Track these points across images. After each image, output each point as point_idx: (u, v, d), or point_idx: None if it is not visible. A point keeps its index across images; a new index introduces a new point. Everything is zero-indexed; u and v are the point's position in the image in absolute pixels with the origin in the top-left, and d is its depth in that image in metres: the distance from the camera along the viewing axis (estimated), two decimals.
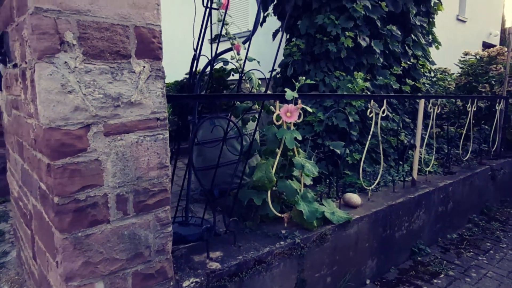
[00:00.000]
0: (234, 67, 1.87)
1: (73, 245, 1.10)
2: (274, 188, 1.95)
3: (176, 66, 4.63)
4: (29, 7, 0.99)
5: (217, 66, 3.26)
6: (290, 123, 1.81)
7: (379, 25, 3.37)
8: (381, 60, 3.49)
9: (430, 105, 2.96)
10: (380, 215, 2.36)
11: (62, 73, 1.02)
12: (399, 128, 3.25)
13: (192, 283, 1.43)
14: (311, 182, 2.24)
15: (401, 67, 3.67)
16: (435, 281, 2.43)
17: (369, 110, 2.38)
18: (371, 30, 3.40)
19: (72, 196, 1.09)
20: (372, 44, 3.32)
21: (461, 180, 3.25)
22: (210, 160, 2.54)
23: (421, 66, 4.01)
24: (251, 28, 8.05)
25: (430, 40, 4.35)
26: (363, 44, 3.24)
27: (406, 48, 3.88)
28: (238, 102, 1.91)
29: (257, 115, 2.03)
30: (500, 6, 13.16)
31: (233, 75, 2.38)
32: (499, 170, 3.90)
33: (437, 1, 4.33)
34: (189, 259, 1.61)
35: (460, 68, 5.26)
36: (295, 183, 1.99)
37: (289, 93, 1.72)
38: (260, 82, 1.93)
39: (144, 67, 1.18)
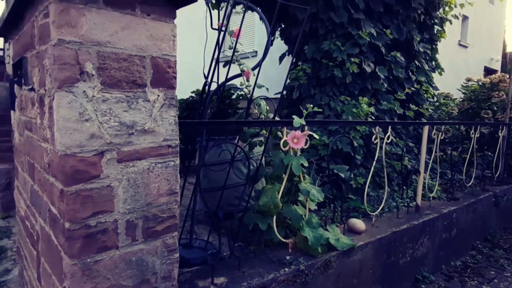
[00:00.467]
0: (243, 93, 1.90)
1: (82, 271, 1.11)
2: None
3: (182, 84, 4.69)
4: (52, 38, 1.03)
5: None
6: (297, 149, 1.83)
7: (383, 51, 3.43)
8: (385, 85, 3.54)
9: (434, 131, 2.99)
10: (384, 241, 2.35)
11: (80, 102, 1.05)
12: (403, 153, 3.27)
13: None
14: (316, 207, 2.24)
15: (405, 93, 3.72)
16: None
17: (374, 136, 2.40)
18: (376, 56, 3.46)
19: (83, 222, 1.10)
20: (377, 70, 3.37)
21: (464, 207, 3.24)
22: (215, 181, 2.55)
23: (424, 92, 4.06)
24: (256, 48, 8.17)
25: (433, 66, 4.42)
26: (368, 70, 3.29)
27: (410, 73, 3.95)
28: (246, 128, 1.93)
29: (263, 139, 2.06)
30: (501, 32, 13.39)
31: (240, 98, 2.42)
32: (503, 197, 3.89)
33: (440, 29, 4.42)
34: (193, 284, 1.60)
35: (463, 93, 5.32)
36: (300, 208, 1.99)
37: (297, 120, 1.75)
38: (268, 108, 1.96)
39: (158, 96, 1.21)
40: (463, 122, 3.62)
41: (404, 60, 3.69)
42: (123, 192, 1.17)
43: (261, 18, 1.78)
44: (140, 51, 1.16)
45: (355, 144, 3.04)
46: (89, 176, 1.09)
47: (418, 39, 3.85)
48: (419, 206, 2.92)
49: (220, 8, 5.24)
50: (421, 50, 4.01)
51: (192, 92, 4.84)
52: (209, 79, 1.67)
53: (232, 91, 3.84)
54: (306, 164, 1.80)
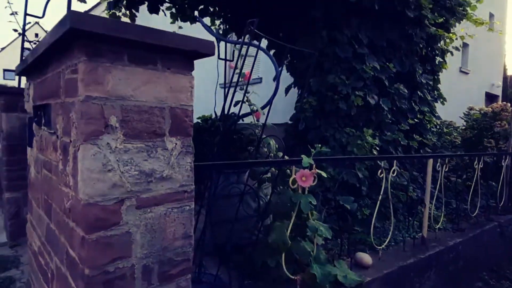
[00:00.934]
0: (254, 131, 1.97)
1: None
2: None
3: None
4: (79, 94, 1.10)
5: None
6: (305, 187, 1.87)
7: (387, 84, 3.52)
8: (389, 116, 3.61)
9: (438, 163, 3.03)
10: (391, 277, 2.35)
11: (104, 153, 1.11)
12: (408, 183, 3.30)
13: None
14: (323, 242, 2.26)
15: (409, 124, 3.78)
16: None
17: (379, 171, 2.44)
18: (380, 88, 3.55)
19: (102, 268, 1.13)
20: (381, 102, 3.45)
21: (470, 238, 3.24)
22: (224, 213, 2.58)
23: (427, 122, 4.13)
24: (261, 74, 8.32)
25: (435, 96, 4.51)
26: (372, 102, 3.37)
27: (413, 104, 4.02)
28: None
29: (271, 172, 2.11)
30: (501, 57, 13.59)
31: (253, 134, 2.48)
32: (508, 227, 3.89)
33: (442, 60, 4.54)
34: None
35: (465, 121, 5.39)
36: (308, 244, 2.01)
37: (305, 160, 1.80)
38: (277, 146, 2.02)
39: (176, 144, 1.27)
40: (467, 154, 3.66)
41: (407, 91, 3.78)
42: (140, 238, 1.21)
43: (272, 61, 1.86)
44: (160, 103, 1.22)
45: (360, 175, 3.08)
46: (110, 223, 1.14)
47: (420, 72, 3.95)
48: (425, 238, 2.93)
49: (227, 38, 5.39)
50: (423, 81, 4.11)
51: (198, 118, 4.92)
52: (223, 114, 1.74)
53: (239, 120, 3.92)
54: (314, 203, 1.84)
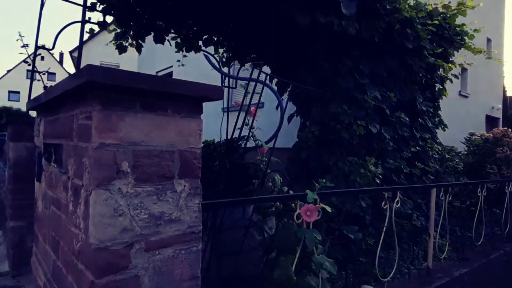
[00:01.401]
0: (260, 165, 2.00)
1: None
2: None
3: None
4: (93, 141, 1.13)
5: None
6: (310, 222, 1.88)
7: (388, 113, 3.58)
8: (391, 144, 3.65)
9: (442, 193, 3.04)
10: None
11: (116, 198, 1.14)
12: (412, 212, 3.30)
13: None
14: (328, 275, 2.25)
15: (411, 151, 3.81)
16: None
17: (383, 202, 2.46)
18: (381, 117, 3.60)
19: None
20: (382, 131, 3.49)
21: (476, 268, 3.21)
22: (228, 245, 2.58)
23: (429, 149, 4.16)
24: (263, 99, 8.39)
25: (436, 123, 4.56)
26: (374, 130, 3.42)
27: (414, 131, 4.07)
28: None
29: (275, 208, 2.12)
30: (500, 79, 13.74)
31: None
32: None
33: (441, 87, 4.61)
34: None
35: (467, 146, 5.42)
36: (313, 278, 2.01)
37: (310, 195, 1.82)
38: (281, 179, 2.05)
39: (184, 186, 1.30)
40: (470, 182, 3.68)
41: (408, 119, 3.83)
42: (148, 280, 1.22)
43: (278, 98, 1.91)
44: (170, 147, 1.26)
45: (363, 204, 3.08)
46: (119, 267, 1.15)
47: (421, 100, 4.02)
48: (430, 269, 2.90)
49: (230, 66, 5.51)
50: (424, 108, 4.17)
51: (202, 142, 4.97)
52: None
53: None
54: (319, 238, 1.85)
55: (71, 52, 24.46)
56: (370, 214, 3.19)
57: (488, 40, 11.61)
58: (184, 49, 4.68)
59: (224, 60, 5.37)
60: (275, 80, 4.47)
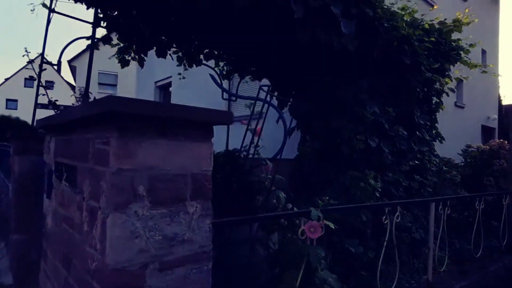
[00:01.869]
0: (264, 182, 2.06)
1: None
2: None
3: None
4: (111, 166, 1.19)
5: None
6: (313, 239, 1.94)
7: (387, 127, 3.66)
8: (390, 157, 3.72)
9: (440, 206, 3.10)
10: None
11: (132, 221, 1.19)
12: (411, 225, 3.36)
13: None
14: None
15: (409, 165, 3.88)
16: None
17: (384, 217, 2.51)
18: (380, 131, 3.68)
19: None
20: (381, 145, 3.57)
21: (475, 281, 3.25)
22: (234, 259, 2.62)
23: (427, 161, 4.23)
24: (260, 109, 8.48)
25: (433, 135, 4.64)
26: (373, 144, 3.49)
27: (412, 144, 4.14)
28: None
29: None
30: (495, 89, 13.91)
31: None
32: None
33: (438, 100, 4.71)
34: None
35: (463, 157, 5.50)
36: None
37: (314, 213, 1.88)
38: (285, 196, 2.10)
39: (196, 207, 1.35)
40: (468, 195, 3.75)
41: (406, 133, 3.91)
42: None
43: (283, 121, 1.97)
44: (183, 170, 1.32)
45: (364, 218, 3.14)
46: (134, 287, 1.20)
47: (419, 114, 4.10)
48: (430, 282, 2.95)
49: (230, 78, 5.59)
50: (422, 122, 4.25)
51: None
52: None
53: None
54: (323, 254, 1.90)
55: (69, 61, 24.60)
56: (371, 227, 3.24)
57: (483, 52, 11.80)
58: (186, 63, 4.76)
59: (224, 73, 5.46)
60: (276, 93, 4.55)
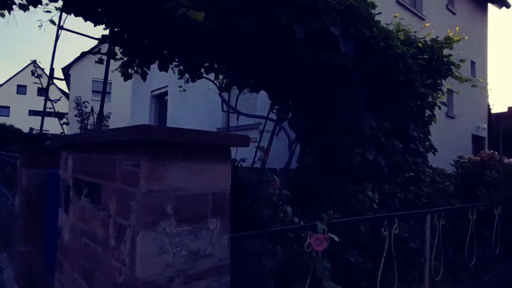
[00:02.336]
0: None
1: None
2: None
3: None
4: (141, 188, 1.30)
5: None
6: (319, 251, 2.05)
7: (383, 140, 3.81)
8: (386, 170, 3.86)
9: (436, 217, 3.24)
10: None
11: (161, 238, 1.30)
12: (408, 235, 3.49)
13: None
14: None
15: (405, 177, 4.03)
16: None
17: (383, 229, 2.64)
18: (377, 144, 3.83)
19: None
20: (378, 158, 3.71)
21: None
22: (244, 271, 2.72)
23: (421, 173, 4.39)
24: (258, 120, 8.55)
25: (427, 147, 4.81)
26: (370, 158, 3.63)
27: (407, 156, 4.30)
28: None
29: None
30: (485, 99, 14.24)
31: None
32: (505, 275, 4.04)
33: (430, 113, 4.89)
34: None
35: (456, 168, 5.68)
36: None
37: (320, 227, 2.00)
38: (291, 210, 2.22)
39: (216, 224, 1.46)
40: (462, 206, 3.91)
41: (401, 146, 4.06)
42: None
43: (288, 138, 2.10)
44: (204, 190, 1.43)
45: (363, 229, 3.26)
46: None
47: (413, 126, 4.27)
48: None
49: (229, 91, 5.71)
50: (416, 134, 4.42)
51: None
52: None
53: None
54: (328, 266, 2.01)
55: (63, 69, 24.52)
56: (369, 238, 3.36)
57: (472, 63, 12.13)
58: (188, 78, 4.89)
59: (223, 86, 5.59)
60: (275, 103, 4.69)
